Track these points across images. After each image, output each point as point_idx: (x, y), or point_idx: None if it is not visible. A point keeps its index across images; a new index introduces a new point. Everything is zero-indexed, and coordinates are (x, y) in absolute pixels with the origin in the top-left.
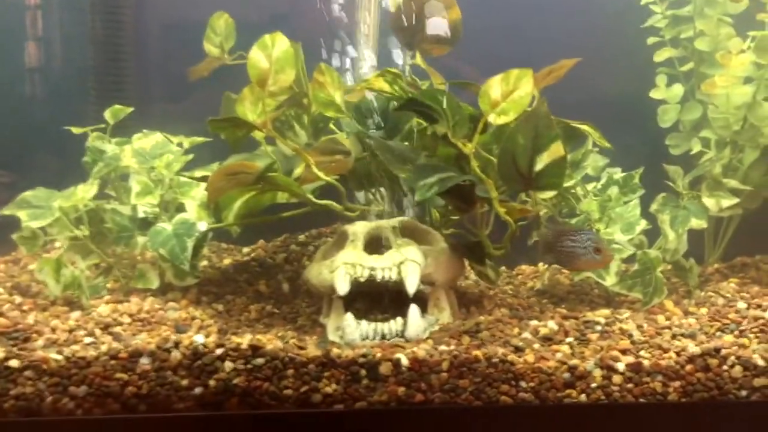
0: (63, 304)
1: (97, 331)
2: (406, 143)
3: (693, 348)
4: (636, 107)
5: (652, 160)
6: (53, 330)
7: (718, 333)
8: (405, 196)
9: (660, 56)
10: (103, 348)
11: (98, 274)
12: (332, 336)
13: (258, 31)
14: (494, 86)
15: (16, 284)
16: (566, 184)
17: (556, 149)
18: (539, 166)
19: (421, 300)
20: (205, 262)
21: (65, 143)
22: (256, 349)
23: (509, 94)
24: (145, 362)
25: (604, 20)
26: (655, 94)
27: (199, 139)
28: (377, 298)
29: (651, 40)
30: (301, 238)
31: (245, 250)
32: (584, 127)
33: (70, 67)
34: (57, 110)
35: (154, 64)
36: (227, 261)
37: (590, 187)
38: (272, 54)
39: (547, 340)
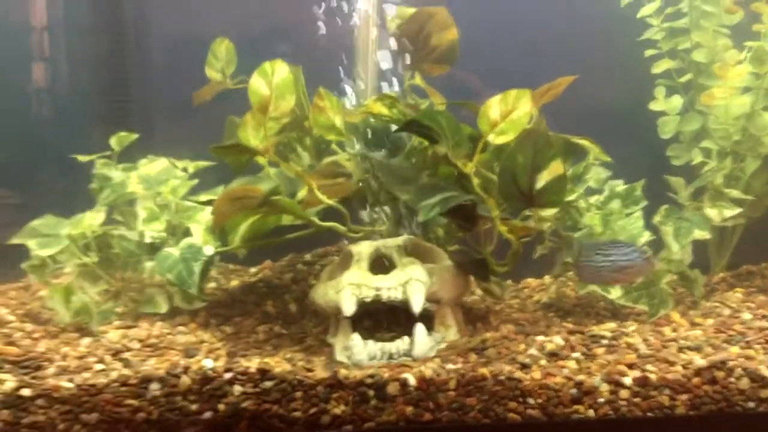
0: (73, 331)
1: (108, 358)
2: (408, 162)
3: (699, 361)
4: (637, 119)
5: (655, 171)
6: (64, 357)
7: (724, 345)
8: (408, 215)
9: (658, 68)
10: (114, 375)
11: (107, 300)
12: (340, 356)
13: (266, 46)
14: (493, 107)
15: (27, 311)
16: (568, 198)
17: (556, 167)
18: (539, 184)
19: (427, 318)
20: (212, 284)
21: (72, 164)
22: (264, 373)
23: (508, 114)
24: (155, 388)
25: (603, 34)
26: (654, 106)
27: (204, 164)
28: (384, 317)
29: (649, 52)
30: (307, 257)
31: (252, 270)
32: (584, 142)
33: (77, 89)
34: (63, 131)
35: (158, 85)
36: (234, 282)
37: (593, 199)
38: (272, 81)
39: (554, 355)
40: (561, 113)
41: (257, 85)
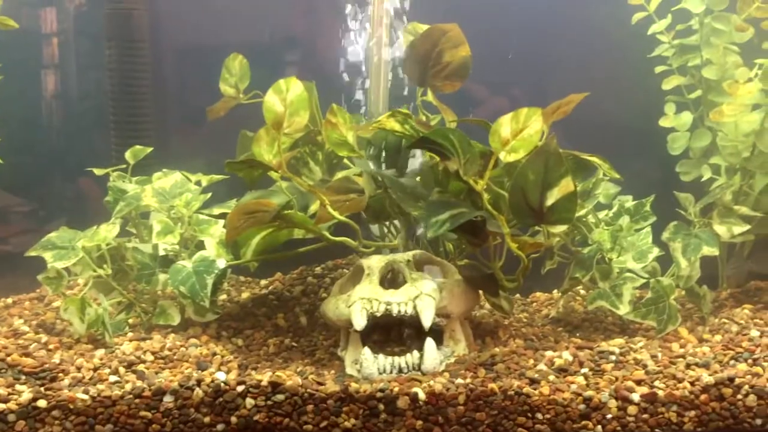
0: (87, 342)
1: (122, 369)
2: (418, 179)
3: (707, 377)
4: (647, 135)
5: (665, 187)
6: (78, 369)
7: (731, 362)
8: (418, 230)
9: (668, 84)
10: (128, 387)
11: (120, 311)
12: (350, 370)
13: (279, 58)
14: (504, 125)
15: (41, 322)
16: (578, 214)
17: (567, 185)
18: (550, 201)
19: (437, 332)
20: (224, 296)
21: (82, 172)
22: (276, 386)
23: (519, 132)
24: (168, 400)
25: (613, 50)
26: (664, 122)
27: (217, 177)
28: (394, 331)
29: (659, 69)
30: (318, 270)
31: (263, 282)
32: (594, 159)
33: (88, 97)
34: (75, 140)
35: (171, 97)
36: (245, 295)
37: (602, 215)
38: (287, 98)
39: (562, 371)
40: (572, 129)
41: (272, 101)
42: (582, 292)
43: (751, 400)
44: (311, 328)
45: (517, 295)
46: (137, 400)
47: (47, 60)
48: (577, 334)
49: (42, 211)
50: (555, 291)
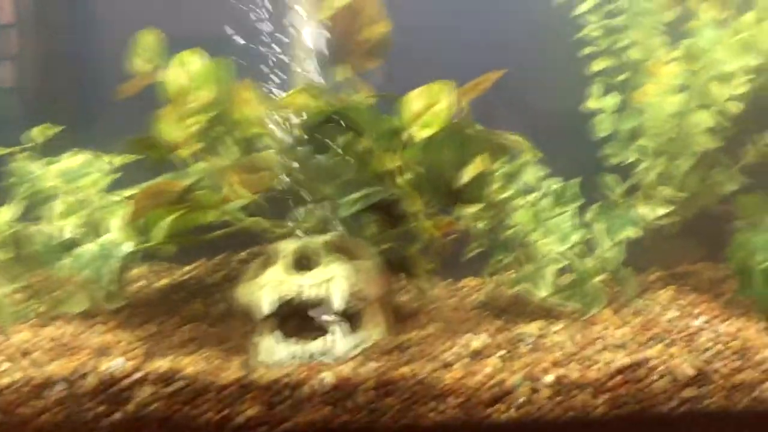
0: None
1: (15, 357)
2: (336, 157)
3: (620, 359)
4: (580, 118)
5: (596, 170)
6: None
7: (648, 342)
8: (334, 212)
9: (596, 66)
10: (17, 375)
11: (26, 298)
12: (261, 356)
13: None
14: (415, 99)
15: None
16: (502, 196)
17: (481, 162)
18: (464, 179)
19: (354, 316)
20: (141, 282)
21: None
22: (175, 373)
23: (430, 107)
24: (60, 388)
25: (541, 33)
26: (590, 104)
27: (130, 157)
28: (308, 317)
29: (588, 50)
30: (243, 255)
31: (186, 269)
32: (515, 138)
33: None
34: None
35: (93, 82)
36: (164, 281)
37: (531, 197)
38: (190, 70)
39: (477, 354)
40: (505, 114)
41: (174, 75)
42: (513, 276)
43: (665, 381)
44: (231, 314)
45: (449, 280)
46: (27, 389)
47: None
48: (502, 318)
49: None
50: (486, 276)
